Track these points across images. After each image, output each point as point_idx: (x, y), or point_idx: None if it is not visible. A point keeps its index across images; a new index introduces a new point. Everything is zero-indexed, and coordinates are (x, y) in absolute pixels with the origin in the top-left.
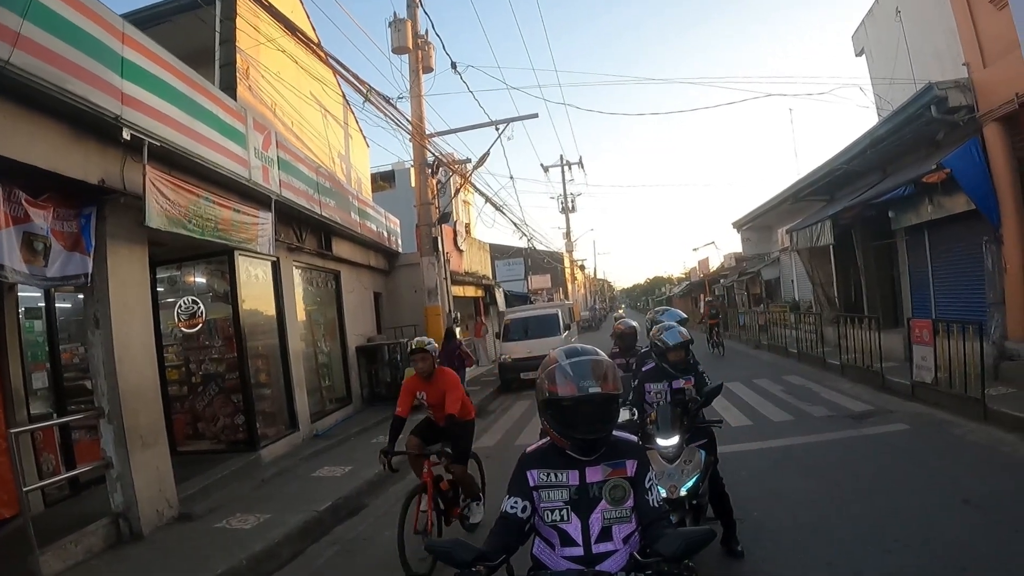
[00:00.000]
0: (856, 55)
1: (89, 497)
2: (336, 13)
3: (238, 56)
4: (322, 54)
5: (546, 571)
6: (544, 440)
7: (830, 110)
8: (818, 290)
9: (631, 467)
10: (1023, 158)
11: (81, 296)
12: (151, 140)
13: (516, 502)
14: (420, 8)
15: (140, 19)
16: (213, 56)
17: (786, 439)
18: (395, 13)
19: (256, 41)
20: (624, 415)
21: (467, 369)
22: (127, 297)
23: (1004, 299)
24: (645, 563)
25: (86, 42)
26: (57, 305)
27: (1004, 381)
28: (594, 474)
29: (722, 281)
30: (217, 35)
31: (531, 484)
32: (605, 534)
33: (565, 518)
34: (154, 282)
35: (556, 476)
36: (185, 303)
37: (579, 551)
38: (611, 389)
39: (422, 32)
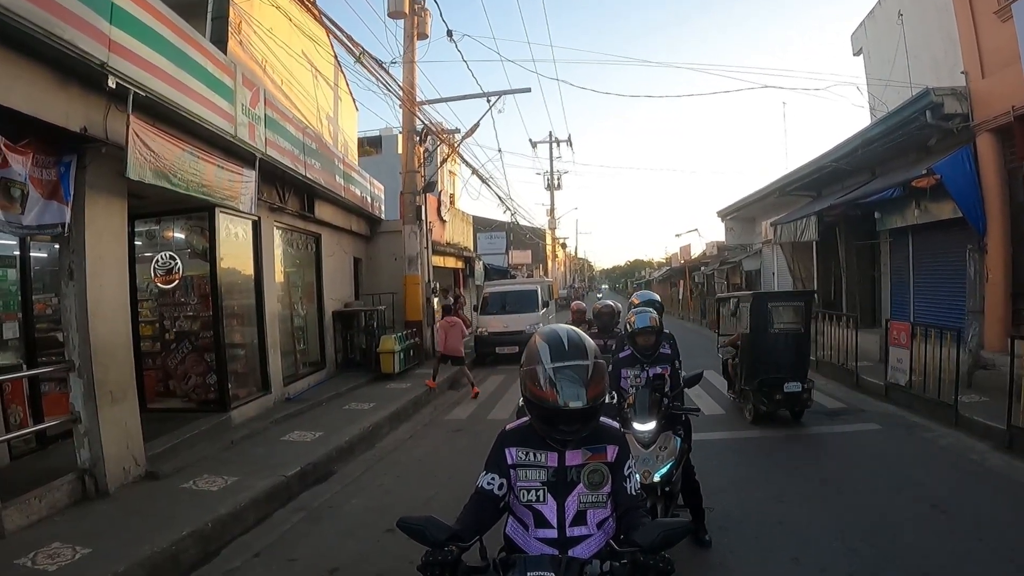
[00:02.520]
0: (854, 54)
1: (56, 451)
2: None
3: (231, 9)
4: (316, 12)
5: (519, 555)
6: (525, 418)
7: (825, 107)
8: (798, 285)
9: (611, 453)
10: (1014, 170)
11: (57, 246)
12: (137, 90)
13: (493, 478)
14: None
15: None
16: (206, 8)
17: (757, 431)
18: None
19: None
20: (604, 398)
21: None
22: (103, 249)
23: (984, 308)
24: (621, 552)
25: None
26: (32, 254)
27: (977, 389)
28: (573, 457)
29: (703, 269)
30: None
31: (509, 462)
32: (580, 518)
33: (541, 499)
34: (132, 235)
35: (535, 456)
36: (162, 258)
37: (553, 533)
38: (596, 396)
39: None
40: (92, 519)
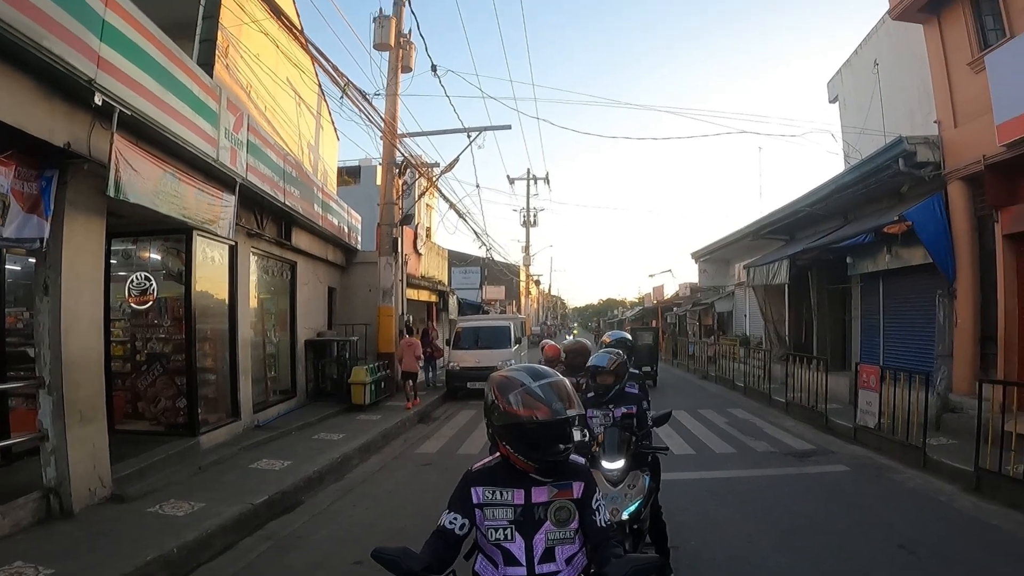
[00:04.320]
0: (830, 101)
1: (21, 469)
2: (322, 2)
3: (219, 33)
4: (303, 41)
5: None
6: (492, 458)
7: (799, 152)
8: (770, 327)
9: (577, 489)
10: (983, 218)
11: (32, 260)
12: (122, 108)
13: (455, 518)
14: (407, 7)
15: None
16: (194, 30)
17: (727, 471)
18: (381, 9)
19: (239, 20)
20: (576, 435)
21: (437, 361)
22: (80, 266)
23: (952, 352)
24: None
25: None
26: (7, 267)
27: (945, 432)
28: (540, 494)
29: (675, 310)
30: (201, 9)
31: (475, 501)
32: (548, 555)
33: (509, 537)
34: (108, 254)
35: (501, 494)
36: (137, 279)
37: (522, 571)
38: (578, 409)
39: (405, 31)
40: (56, 539)
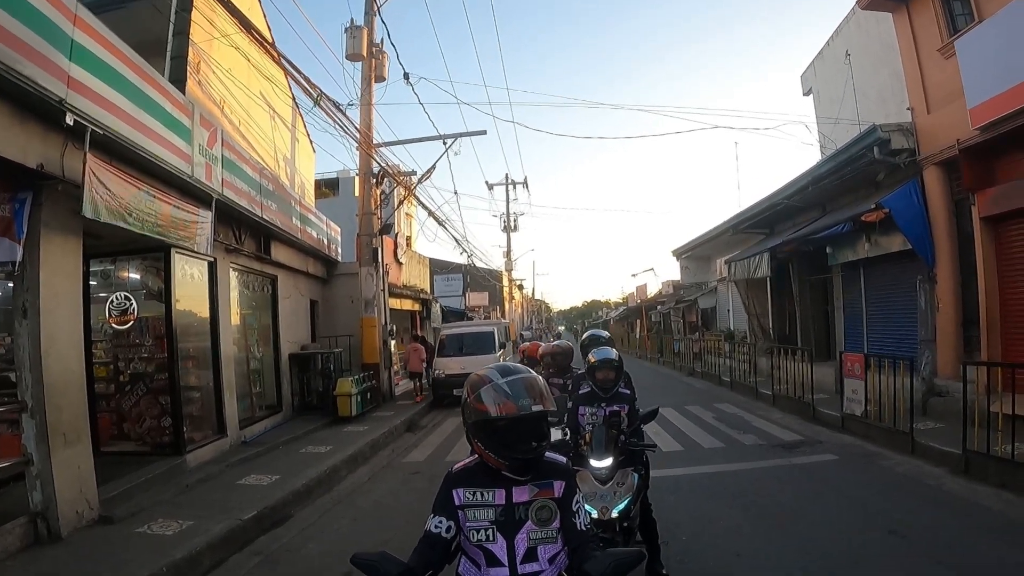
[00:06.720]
0: (804, 94)
1: (6, 495)
2: (293, 15)
3: (190, 49)
4: (275, 54)
5: None
6: (471, 458)
7: (775, 146)
8: (753, 321)
9: (558, 488)
10: (960, 202)
11: (11, 284)
12: (94, 127)
13: (441, 521)
14: (377, 16)
15: (94, 2)
16: (165, 47)
17: (716, 466)
18: (352, 19)
19: (210, 36)
20: (556, 434)
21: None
22: (58, 288)
23: (935, 337)
24: None
25: (37, 20)
26: None
27: (932, 416)
28: (521, 494)
29: (659, 308)
30: (171, 26)
31: (456, 503)
32: (531, 554)
33: (491, 538)
34: (86, 275)
35: (482, 495)
36: (117, 299)
37: (505, 572)
38: (549, 406)
39: (377, 41)
40: (45, 563)
